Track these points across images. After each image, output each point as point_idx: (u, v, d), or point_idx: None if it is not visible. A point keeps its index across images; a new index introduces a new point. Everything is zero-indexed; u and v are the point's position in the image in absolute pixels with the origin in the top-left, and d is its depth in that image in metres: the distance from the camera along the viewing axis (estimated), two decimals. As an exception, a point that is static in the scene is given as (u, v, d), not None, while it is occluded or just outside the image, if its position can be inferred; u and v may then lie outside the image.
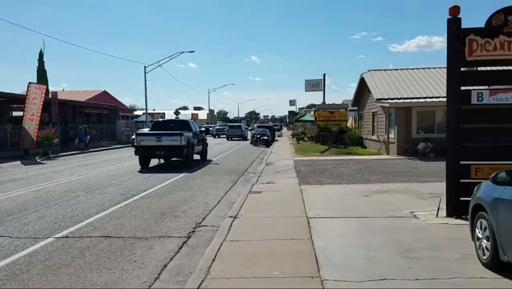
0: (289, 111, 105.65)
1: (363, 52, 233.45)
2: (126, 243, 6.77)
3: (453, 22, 7.20)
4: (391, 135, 20.97)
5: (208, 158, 21.88)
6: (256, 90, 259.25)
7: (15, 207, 9.77)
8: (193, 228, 7.72)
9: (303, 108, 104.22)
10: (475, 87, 7.27)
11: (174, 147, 17.26)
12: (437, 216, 7.25)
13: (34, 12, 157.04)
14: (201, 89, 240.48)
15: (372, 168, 15.26)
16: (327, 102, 45.37)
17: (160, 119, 31.43)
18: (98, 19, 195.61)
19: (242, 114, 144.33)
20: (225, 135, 47.90)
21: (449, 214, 7.18)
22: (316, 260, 5.20)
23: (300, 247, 5.81)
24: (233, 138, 45.27)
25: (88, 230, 7.58)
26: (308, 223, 7.14)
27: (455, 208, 7.13)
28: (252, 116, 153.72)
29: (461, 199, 7.04)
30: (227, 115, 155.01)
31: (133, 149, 18.47)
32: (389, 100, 20.57)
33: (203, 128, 25.44)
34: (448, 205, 7.25)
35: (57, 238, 7.10)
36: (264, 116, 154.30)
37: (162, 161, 18.88)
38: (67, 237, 7.15)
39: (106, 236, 7.20)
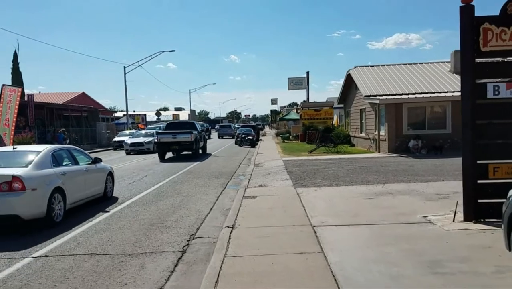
0: (271, 110, 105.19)
1: (342, 50, 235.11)
2: (115, 261, 6.03)
3: (466, 10, 6.68)
4: (382, 133, 20.58)
5: (193, 160, 21.34)
6: (237, 90, 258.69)
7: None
8: (187, 241, 7.03)
9: (284, 107, 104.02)
10: (490, 80, 6.77)
11: (186, 143, 22.03)
12: (453, 220, 6.72)
13: (8, 11, 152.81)
14: (181, 89, 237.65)
15: (367, 167, 14.77)
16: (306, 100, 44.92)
17: (174, 121, 38.16)
18: (75, 19, 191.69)
19: (223, 114, 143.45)
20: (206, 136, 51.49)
21: (467, 218, 6.66)
22: (335, 280, 4.58)
23: (313, 262, 5.18)
24: (224, 137, 49.44)
25: (71, 247, 6.81)
26: (315, 232, 6.52)
27: (473, 212, 6.62)
28: (234, 116, 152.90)
29: (479, 201, 6.54)
30: (208, 115, 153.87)
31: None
32: (378, 97, 20.16)
33: (209, 127, 32.99)
34: (465, 208, 6.73)
35: (35, 257, 6.31)
36: (245, 115, 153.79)
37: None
38: (47, 256, 6.37)
39: (92, 253, 6.44)
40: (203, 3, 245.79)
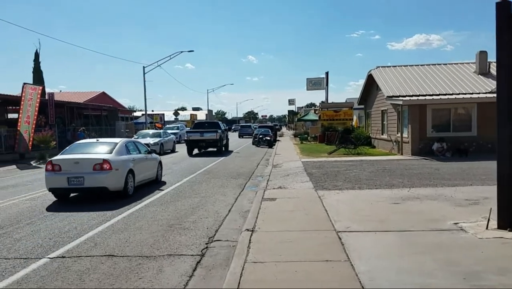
0: (288, 111, 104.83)
1: (361, 51, 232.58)
2: (132, 264, 5.84)
3: (502, 6, 6.30)
4: (405, 135, 20.03)
5: (212, 160, 21.40)
6: (254, 90, 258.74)
7: (7, 218, 8.84)
8: (206, 244, 6.80)
9: (302, 107, 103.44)
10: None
11: (212, 140, 25.03)
12: (487, 228, 6.33)
13: (30, 11, 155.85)
14: (198, 89, 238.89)
15: (390, 169, 14.33)
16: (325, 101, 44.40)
17: (201, 121, 41.40)
18: (96, 19, 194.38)
19: (240, 114, 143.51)
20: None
21: (501, 226, 6.26)
22: (365, 291, 4.28)
23: (339, 272, 4.88)
24: (244, 136, 51.90)
25: (88, 247, 6.65)
26: (339, 238, 6.21)
27: (509, 219, 6.21)
28: (251, 116, 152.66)
29: (516, 208, 6.15)
30: (226, 116, 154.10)
31: None
32: (401, 98, 19.63)
33: (227, 127, 33.11)
34: (500, 215, 6.33)
35: (52, 258, 6.17)
36: (262, 116, 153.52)
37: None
38: (63, 257, 6.22)
39: (109, 254, 6.27)
40: (220, 5, 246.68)
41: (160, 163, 14.06)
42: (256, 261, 5.42)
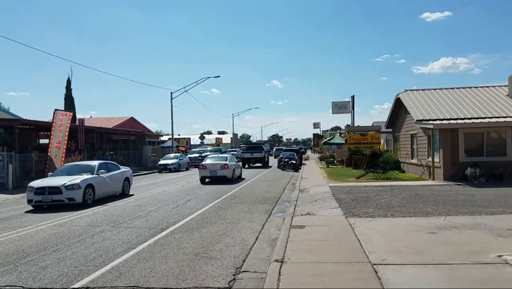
0: (313, 134, 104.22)
1: (386, 75, 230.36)
2: (157, 296, 5.63)
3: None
4: (436, 159, 19.39)
5: (237, 185, 21.42)
6: (278, 114, 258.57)
7: (33, 245, 8.82)
8: (233, 275, 6.52)
9: (327, 130, 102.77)
10: None
11: (259, 158, 37.56)
12: (536, 262, 5.85)
13: (61, 40, 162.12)
14: (223, 113, 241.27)
15: (422, 196, 13.78)
16: (351, 124, 43.92)
17: (251, 144, 52.83)
18: (121, 46, 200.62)
19: (265, 138, 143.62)
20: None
21: (553, 261, 5.77)
22: (408, 334, 3.92)
23: (378, 309, 4.53)
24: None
25: (112, 277, 6.48)
26: (376, 271, 5.84)
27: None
28: (275, 139, 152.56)
29: None
30: (250, 139, 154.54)
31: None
32: (431, 122, 19.09)
33: (268, 149, 48.41)
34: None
35: (76, 288, 6.02)
36: (287, 139, 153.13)
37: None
38: (87, 287, 6.06)
39: (134, 286, 6.07)
40: (247, 30, 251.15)
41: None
42: (287, 295, 5.13)
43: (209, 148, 51.53)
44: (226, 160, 23.71)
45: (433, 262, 6.15)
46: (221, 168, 22.85)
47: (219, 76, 48.21)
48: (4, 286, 6.18)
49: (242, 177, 25.88)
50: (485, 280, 5.35)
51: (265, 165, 38.36)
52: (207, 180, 23.29)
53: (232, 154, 33.06)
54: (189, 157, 41.99)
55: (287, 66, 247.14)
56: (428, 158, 20.46)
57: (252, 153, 37.92)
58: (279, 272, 6.09)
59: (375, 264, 6.17)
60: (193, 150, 49.73)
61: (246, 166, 36.55)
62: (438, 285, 5.23)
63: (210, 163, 23.49)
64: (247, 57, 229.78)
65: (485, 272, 5.64)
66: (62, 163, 24.29)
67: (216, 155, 27.65)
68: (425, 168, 20.81)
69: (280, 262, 6.64)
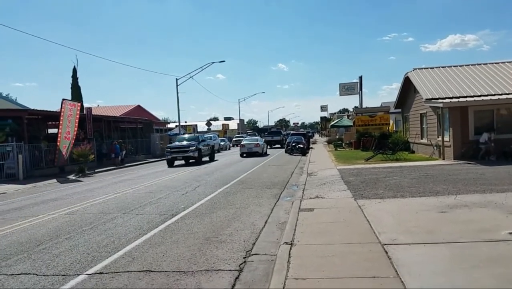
0: (321, 117, 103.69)
1: (393, 54, 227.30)
2: (170, 280, 5.69)
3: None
4: (446, 138, 19.21)
5: (244, 170, 21.38)
6: (285, 98, 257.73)
7: (46, 233, 8.95)
8: (244, 258, 6.57)
9: (334, 113, 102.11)
10: None
11: (278, 140, 48.06)
12: (548, 239, 5.80)
13: (66, 28, 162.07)
14: (229, 99, 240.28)
15: (432, 175, 13.69)
16: (359, 106, 43.58)
17: (271, 130, 63.62)
18: (127, 34, 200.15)
19: (272, 123, 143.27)
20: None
21: None
22: (419, 312, 3.92)
23: (389, 289, 4.53)
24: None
25: (125, 262, 6.56)
26: (386, 252, 5.83)
27: None
28: (282, 124, 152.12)
29: None
30: (257, 124, 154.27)
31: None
32: (441, 100, 18.85)
33: (284, 133, 58.73)
34: None
35: (90, 274, 6.11)
36: (294, 123, 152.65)
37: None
38: (101, 273, 6.15)
39: (147, 270, 6.14)
40: (251, 13, 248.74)
41: None
42: (298, 277, 5.15)
43: (209, 135, 51.27)
44: (258, 141, 34.81)
45: (444, 241, 6.13)
46: (255, 146, 33.26)
47: (224, 61, 48.12)
48: (18, 274, 6.29)
49: (268, 153, 35.92)
50: (495, 256, 5.32)
51: (283, 146, 44.23)
52: (244, 155, 33.14)
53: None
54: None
55: (292, 49, 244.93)
56: (438, 137, 20.27)
57: (273, 136, 49.48)
58: (289, 254, 6.11)
59: (385, 244, 6.16)
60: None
61: (268, 146, 42.83)
62: (449, 263, 5.20)
63: (247, 143, 34.13)
64: (252, 39, 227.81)
65: (496, 250, 5.61)
66: (71, 152, 24.52)
67: (250, 137, 40.24)
68: (435, 148, 20.64)
69: (289, 244, 6.66)
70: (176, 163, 28.21)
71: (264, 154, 34.28)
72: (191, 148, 27.47)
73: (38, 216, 11.08)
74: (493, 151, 17.76)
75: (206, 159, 30.61)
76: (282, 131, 55.89)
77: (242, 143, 34.92)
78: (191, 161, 28.45)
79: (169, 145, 29.27)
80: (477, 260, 5.21)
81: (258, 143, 33.69)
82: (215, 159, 32.35)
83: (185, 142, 28.35)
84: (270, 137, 48.42)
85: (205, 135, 47.81)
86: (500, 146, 17.86)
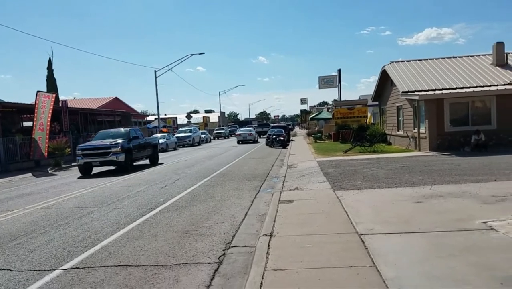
0: (301, 110, 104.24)
1: (371, 48, 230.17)
2: (147, 274, 5.63)
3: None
4: (422, 130, 19.58)
5: (226, 163, 21.33)
6: (266, 91, 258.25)
7: (21, 228, 8.74)
8: (223, 250, 6.56)
9: (314, 106, 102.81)
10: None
11: (266, 132, 43.97)
12: (519, 227, 5.97)
13: (41, 20, 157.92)
14: (210, 91, 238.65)
15: (408, 167, 13.94)
16: (338, 99, 43.97)
17: (275, 124, 59.94)
18: (106, 26, 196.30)
19: (253, 115, 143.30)
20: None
21: (535, 225, 5.90)
22: (395, 300, 3.98)
23: (365, 279, 4.60)
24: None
25: (102, 257, 6.47)
26: (363, 241, 5.91)
27: (544, 217, 5.85)
28: (263, 116, 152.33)
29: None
30: (238, 117, 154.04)
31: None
32: (417, 93, 19.18)
33: (288, 125, 67.16)
34: (533, 213, 5.96)
35: (65, 269, 6.00)
36: (275, 116, 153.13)
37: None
38: (77, 268, 6.04)
39: (124, 264, 6.07)
40: (229, 5, 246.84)
41: None
42: (277, 268, 5.17)
43: (190, 128, 50.37)
44: (251, 131, 45.56)
45: (419, 230, 6.25)
46: (248, 135, 43.65)
47: (203, 53, 47.30)
48: (-9, 270, 6.13)
49: (258, 141, 44.09)
50: (470, 246, 5.44)
51: (289, 141, 50.33)
52: (240, 142, 42.64)
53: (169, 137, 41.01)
54: (176, 137, 41.77)
55: (272, 42, 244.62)
56: (414, 129, 20.63)
57: (263, 128, 61.33)
58: (268, 246, 6.13)
59: (362, 234, 6.24)
60: (180, 129, 49.37)
61: (262, 136, 50.52)
62: (425, 252, 5.30)
63: (242, 133, 44.50)
64: (231, 34, 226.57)
65: (471, 238, 5.75)
66: (47, 145, 23.97)
67: (245, 128, 51.78)
68: (411, 140, 21.01)
69: (269, 236, 6.68)
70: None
71: (256, 141, 43.33)
72: (113, 149, 18.93)
73: (13, 211, 10.82)
74: (482, 143, 18.02)
75: (145, 162, 23.07)
76: (270, 124, 68.10)
77: (238, 133, 45.98)
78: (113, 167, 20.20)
79: (80, 145, 20.18)
80: (453, 249, 5.33)
81: (251, 133, 44.37)
82: (160, 163, 23.47)
83: (106, 141, 19.61)
84: (260, 129, 61.03)
85: (186, 128, 47.57)
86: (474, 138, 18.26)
